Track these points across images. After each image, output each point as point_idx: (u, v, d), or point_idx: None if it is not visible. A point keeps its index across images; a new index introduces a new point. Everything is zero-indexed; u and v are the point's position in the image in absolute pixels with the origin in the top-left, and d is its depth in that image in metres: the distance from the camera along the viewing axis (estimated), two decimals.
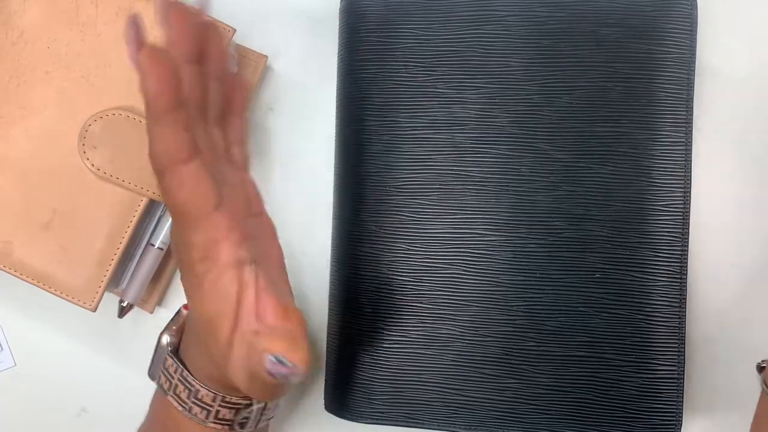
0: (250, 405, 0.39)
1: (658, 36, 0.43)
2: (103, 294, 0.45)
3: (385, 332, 0.44)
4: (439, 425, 0.43)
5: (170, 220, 0.46)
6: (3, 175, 0.44)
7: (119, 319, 0.47)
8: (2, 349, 0.50)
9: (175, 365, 0.39)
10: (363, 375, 0.44)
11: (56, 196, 0.44)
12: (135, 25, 0.33)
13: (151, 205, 0.46)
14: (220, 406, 0.39)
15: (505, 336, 0.43)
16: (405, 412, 0.44)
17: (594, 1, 0.44)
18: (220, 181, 0.35)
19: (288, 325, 0.35)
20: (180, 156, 0.33)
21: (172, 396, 0.39)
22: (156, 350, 0.42)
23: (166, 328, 0.41)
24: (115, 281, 0.47)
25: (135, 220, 0.44)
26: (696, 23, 0.43)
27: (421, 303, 0.43)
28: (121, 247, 0.44)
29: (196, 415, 0.39)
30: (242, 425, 0.40)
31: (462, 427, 0.43)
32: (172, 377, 0.39)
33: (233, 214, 0.35)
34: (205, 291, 0.35)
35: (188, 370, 0.39)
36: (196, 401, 0.39)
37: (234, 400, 0.39)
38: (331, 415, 0.46)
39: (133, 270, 0.47)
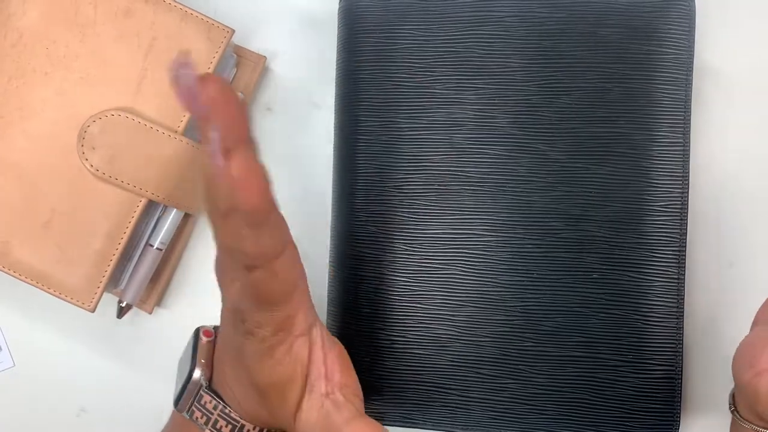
0: None
1: (657, 36, 0.43)
2: (101, 294, 0.45)
3: (382, 333, 0.44)
4: (436, 425, 0.43)
5: (169, 220, 0.47)
6: (2, 176, 0.44)
7: (118, 319, 0.47)
8: (1, 349, 0.50)
9: (214, 402, 0.38)
10: (360, 376, 0.44)
11: (55, 197, 0.44)
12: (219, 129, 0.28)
13: (150, 206, 0.46)
14: None
15: (502, 336, 0.43)
16: (402, 412, 0.44)
17: (593, 2, 0.44)
18: None
19: (352, 382, 0.37)
20: (278, 251, 0.32)
21: (210, 430, 0.38)
22: (185, 384, 0.39)
23: (195, 363, 0.39)
24: (113, 282, 0.47)
25: (134, 220, 0.44)
26: (694, 24, 0.43)
27: (418, 303, 0.43)
28: (120, 247, 0.44)
29: None
30: None
31: (459, 427, 0.43)
32: (211, 413, 0.39)
33: (304, 284, 0.35)
34: (276, 359, 0.35)
35: (230, 407, 0.38)
36: None
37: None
38: None
39: (132, 270, 0.47)
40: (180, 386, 0.40)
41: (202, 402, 0.39)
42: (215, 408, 0.39)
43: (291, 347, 0.35)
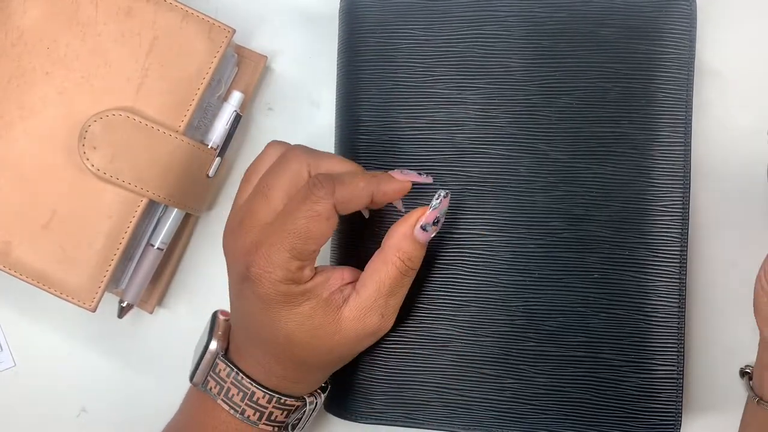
0: (304, 406, 0.41)
1: (658, 36, 0.43)
2: (102, 294, 0.45)
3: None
4: (437, 425, 0.43)
5: (170, 220, 0.47)
6: (2, 175, 0.44)
7: (119, 319, 0.47)
8: (2, 349, 0.50)
9: (227, 369, 0.40)
10: (362, 375, 0.44)
11: (56, 197, 0.44)
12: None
13: (151, 206, 0.46)
14: (274, 407, 0.40)
15: (503, 336, 0.43)
16: (404, 412, 0.44)
17: (593, 2, 0.44)
18: None
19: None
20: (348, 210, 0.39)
21: (222, 399, 0.40)
22: (201, 356, 0.42)
23: (213, 336, 0.42)
24: (114, 281, 0.47)
25: (135, 220, 0.44)
26: (695, 23, 0.43)
27: (420, 303, 0.43)
28: (121, 247, 0.44)
29: (248, 417, 0.40)
30: (294, 427, 0.42)
31: (460, 427, 0.43)
32: (224, 381, 0.40)
33: None
34: (290, 303, 0.38)
35: (245, 374, 0.40)
36: (251, 403, 0.40)
37: (288, 401, 0.40)
38: (330, 416, 0.46)
39: (133, 270, 0.47)
40: (197, 358, 0.42)
41: (217, 370, 0.41)
42: (228, 375, 0.40)
43: (304, 291, 0.38)
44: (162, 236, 0.47)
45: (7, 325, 0.50)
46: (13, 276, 0.44)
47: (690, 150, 0.43)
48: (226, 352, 0.42)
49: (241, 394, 0.40)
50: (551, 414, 0.42)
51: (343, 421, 0.45)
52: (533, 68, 0.43)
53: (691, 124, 0.43)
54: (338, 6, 0.47)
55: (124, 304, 0.47)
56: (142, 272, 0.46)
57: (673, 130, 0.43)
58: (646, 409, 0.42)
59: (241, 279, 0.38)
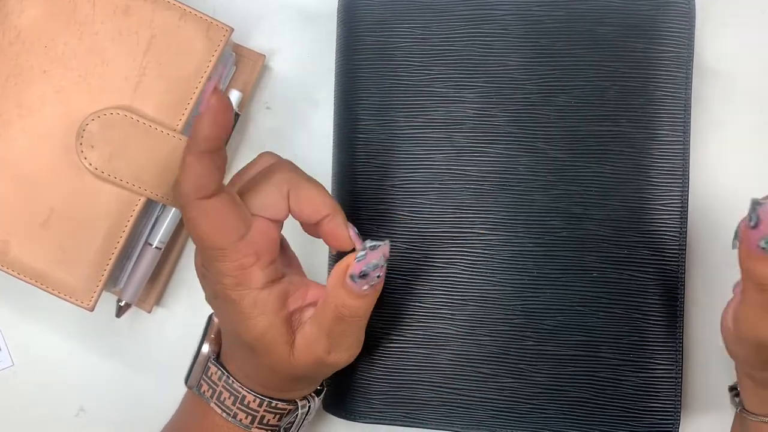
0: (296, 410, 0.41)
1: (656, 35, 0.43)
2: (100, 293, 0.45)
3: (382, 332, 0.44)
4: (437, 425, 0.43)
5: (168, 219, 0.47)
6: (0, 174, 0.44)
7: (117, 318, 0.47)
8: (0, 349, 0.50)
9: (219, 373, 0.41)
10: (361, 375, 0.44)
11: (53, 196, 0.44)
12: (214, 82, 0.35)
13: (149, 205, 0.46)
14: (265, 411, 0.40)
15: (502, 335, 0.43)
16: (403, 411, 0.44)
17: (592, 1, 0.43)
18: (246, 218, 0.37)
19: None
20: (210, 190, 0.35)
21: (215, 403, 0.40)
22: (195, 359, 0.42)
23: (205, 338, 0.42)
24: (112, 281, 0.47)
25: (132, 219, 0.44)
26: (694, 22, 0.43)
27: (418, 302, 0.43)
28: (119, 246, 0.44)
29: (240, 420, 0.40)
30: (287, 430, 0.41)
31: (460, 426, 0.43)
32: (216, 385, 0.40)
33: (259, 240, 0.37)
34: (246, 315, 0.37)
35: (234, 378, 0.40)
36: (242, 407, 0.40)
37: (280, 405, 0.40)
38: (330, 416, 0.46)
39: (131, 269, 0.47)
40: (191, 362, 0.42)
41: (209, 374, 0.41)
42: (220, 379, 0.40)
43: (256, 300, 0.37)
44: (160, 235, 0.46)
45: (5, 324, 0.50)
46: (11, 275, 0.44)
47: (689, 149, 0.43)
48: (218, 356, 0.42)
49: (232, 397, 0.40)
50: (550, 413, 0.42)
51: (343, 421, 0.45)
52: (532, 67, 0.43)
53: (689, 122, 0.43)
54: (336, 4, 0.46)
55: (122, 304, 0.46)
56: (140, 271, 0.46)
57: (672, 129, 0.43)
58: (645, 408, 0.42)
59: (204, 284, 0.39)
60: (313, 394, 0.43)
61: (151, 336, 0.50)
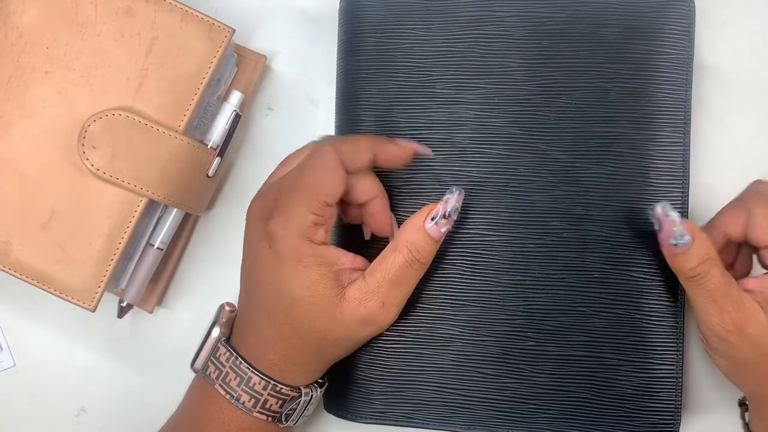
0: (299, 396, 0.41)
1: (656, 36, 0.43)
2: (102, 294, 0.45)
3: (384, 332, 0.44)
4: (438, 425, 0.43)
5: (170, 220, 0.47)
6: (2, 175, 0.44)
7: (119, 319, 0.47)
8: (2, 349, 0.50)
9: (227, 353, 0.41)
10: (362, 375, 0.44)
11: (55, 196, 0.44)
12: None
13: (151, 206, 0.46)
14: (269, 394, 0.41)
15: (504, 336, 0.43)
16: (404, 411, 0.44)
17: (592, 2, 0.44)
18: None
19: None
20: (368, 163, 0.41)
21: (220, 384, 0.41)
22: (203, 342, 0.43)
23: (216, 323, 0.43)
24: (114, 281, 0.47)
25: (134, 220, 0.44)
26: (694, 23, 0.43)
27: (420, 303, 0.43)
28: (121, 247, 0.44)
29: (243, 403, 0.40)
30: (287, 417, 0.42)
31: (461, 426, 0.43)
32: (224, 366, 0.41)
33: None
34: (301, 263, 0.39)
35: (243, 359, 0.41)
36: (247, 389, 0.40)
37: (284, 390, 0.41)
38: (330, 416, 0.46)
39: (133, 270, 0.47)
40: (199, 345, 0.43)
41: (217, 355, 0.42)
42: (228, 360, 0.41)
43: (315, 253, 0.39)
44: (162, 236, 0.47)
45: (7, 325, 0.50)
46: (13, 276, 0.44)
47: (689, 150, 0.43)
48: (228, 339, 0.43)
49: (238, 378, 0.40)
50: (552, 413, 0.43)
51: (343, 421, 0.45)
52: (533, 68, 0.44)
53: (690, 123, 0.43)
54: (338, 6, 0.47)
55: (124, 304, 0.47)
56: (141, 272, 0.46)
57: (672, 130, 0.43)
58: (646, 408, 0.42)
59: (259, 236, 0.40)
60: (315, 385, 0.43)
61: (153, 336, 0.50)
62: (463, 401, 0.43)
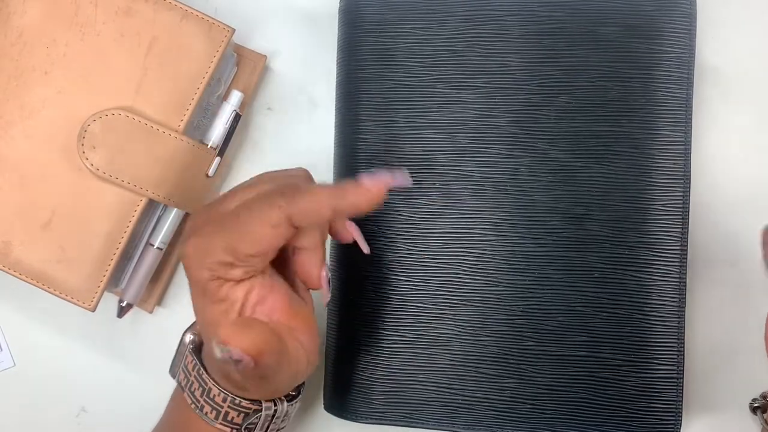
0: (259, 411, 0.40)
1: (658, 35, 0.43)
2: (102, 294, 0.45)
3: (384, 332, 0.44)
4: (438, 425, 0.43)
5: (170, 220, 0.47)
6: (2, 175, 0.44)
7: (118, 319, 0.47)
8: (2, 349, 0.50)
9: (194, 362, 0.40)
10: (362, 375, 0.44)
11: (55, 196, 0.44)
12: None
13: (150, 205, 0.46)
14: (229, 407, 0.39)
15: (504, 336, 0.43)
16: (404, 412, 0.44)
17: (593, 1, 0.43)
18: None
19: (297, 326, 0.38)
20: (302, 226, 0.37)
21: (188, 393, 0.40)
22: (178, 348, 0.42)
23: (191, 327, 0.42)
24: (114, 281, 0.47)
25: (134, 220, 0.44)
26: (695, 22, 0.43)
27: (420, 303, 0.43)
28: (120, 246, 0.44)
29: (206, 414, 0.39)
30: (249, 430, 0.40)
31: (461, 426, 0.43)
32: (190, 374, 0.40)
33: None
34: (212, 299, 0.37)
35: (204, 369, 0.40)
36: (208, 400, 0.39)
37: (243, 403, 0.39)
38: (331, 416, 0.46)
39: (133, 270, 0.47)
40: (175, 350, 0.42)
41: (186, 362, 0.40)
42: (193, 369, 0.40)
43: (227, 291, 0.37)
44: (161, 236, 0.47)
45: (7, 325, 0.50)
46: (13, 276, 0.44)
47: (690, 149, 0.43)
48: (200, 349, 0.41)
49: (200, 389, 0.39)
50: (551, 414, 0.42)
51: (343, 421, 0.45)
52: (533, 67, 0.43)
53: (691, 123, 0.43)
54: (338, 5, 0.47)
55: (124, 304, 0.47)
56: (141, 272, 0.46)
57: (674, 129, 0.43)
58: (647, 408, 0.42)
59: (181, 255, 0.38)
60: (282, 398, 0.41)
61: (153, 336, 0.50)
62: (463, 401, 0.43)
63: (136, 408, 0.49)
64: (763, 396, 0.43)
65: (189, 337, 0.42)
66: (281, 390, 0.40)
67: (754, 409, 0.43)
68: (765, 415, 0.42)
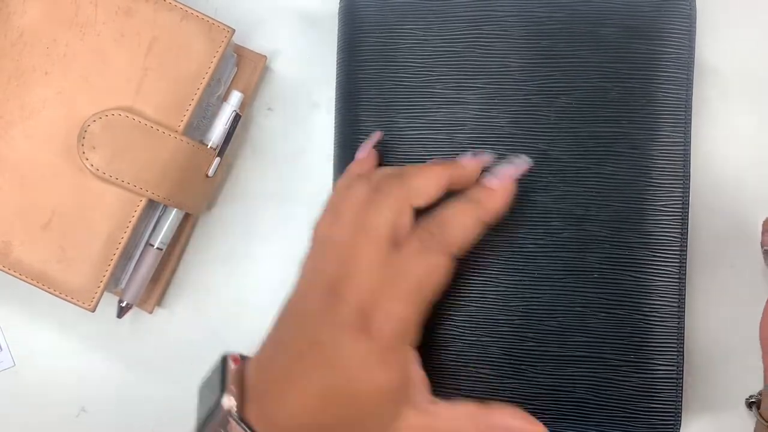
0: None
1: (657, 36, 0.43)
2: (102, 294, 0.45)
3: None
4: None
5: (170, 220, 0.47)
6: (2, 176, 0.44)
7: (118, 319, 0.47)
8: (2, 349, 0.50)
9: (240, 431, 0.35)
10: None
11: (55, 197, 0.44)
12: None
13: (150, 206, 0.46)
14: None
15: (503, 336, 0.43)
16: None
17: (593, 2, 0.44)
18: None
19: None
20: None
21: None
22: (210, 413, 0.36)
23: (226, 390, 0.36)
24: (114, 281, 0.47)
25: (134, 220, 0.44)
26: (695, 23, 0.43)
27: None
28: (120, 247, 0.44)
29: None
30: None
31: None
32: None
33: None
34: (385, 362, 0.35)
35: None
36: None
37: None
38: None
39: (132, 270, 0.47)
40: (204, 414, 0.36)
41: (228, 429, 0.35)
42: None
43: (404, 354, 0.36)
44: (161, 236, 0.47)
45: (6, 325, 0.50)
46: (13, 276, 0.44)
47: (690, 150, 0.43)
48: (242, 412, 0.36)
49: None
50: (551, 414, 0.42)
51: None
52: (533, 68, 0.43)
53: (690, 123, 0.43)
54: (338, 6, 0.47)
55: (124, 304, 0.47)
56: (141, 272, 0.46)
57: (673, 130, 0.43)
58: (646, 408, 0.42)
59: (350, 328, 0.35)
60: None
61: (153, 337, 0.50)
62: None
63: (137, 408, 0.50)
64: (759, 392, 0.43)
65: (227, 401, 0.35)
66: None
67: (749, 405, 0.43)
68: (760, 411, 0.42)
